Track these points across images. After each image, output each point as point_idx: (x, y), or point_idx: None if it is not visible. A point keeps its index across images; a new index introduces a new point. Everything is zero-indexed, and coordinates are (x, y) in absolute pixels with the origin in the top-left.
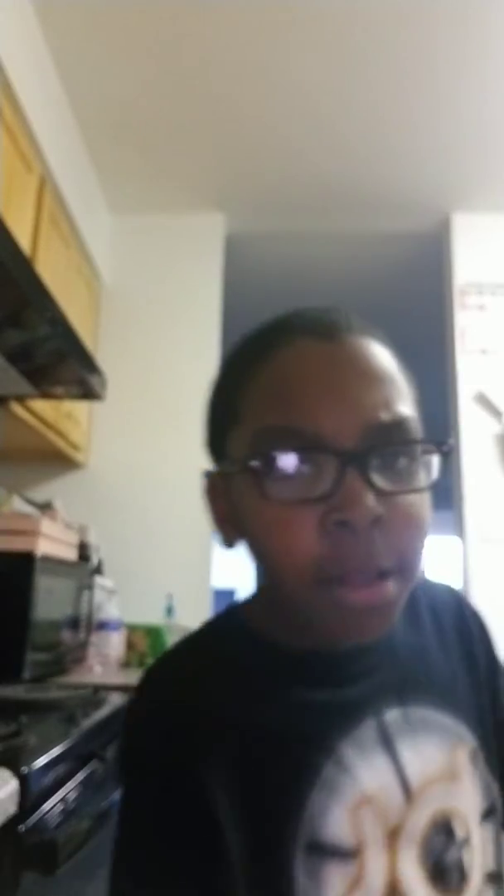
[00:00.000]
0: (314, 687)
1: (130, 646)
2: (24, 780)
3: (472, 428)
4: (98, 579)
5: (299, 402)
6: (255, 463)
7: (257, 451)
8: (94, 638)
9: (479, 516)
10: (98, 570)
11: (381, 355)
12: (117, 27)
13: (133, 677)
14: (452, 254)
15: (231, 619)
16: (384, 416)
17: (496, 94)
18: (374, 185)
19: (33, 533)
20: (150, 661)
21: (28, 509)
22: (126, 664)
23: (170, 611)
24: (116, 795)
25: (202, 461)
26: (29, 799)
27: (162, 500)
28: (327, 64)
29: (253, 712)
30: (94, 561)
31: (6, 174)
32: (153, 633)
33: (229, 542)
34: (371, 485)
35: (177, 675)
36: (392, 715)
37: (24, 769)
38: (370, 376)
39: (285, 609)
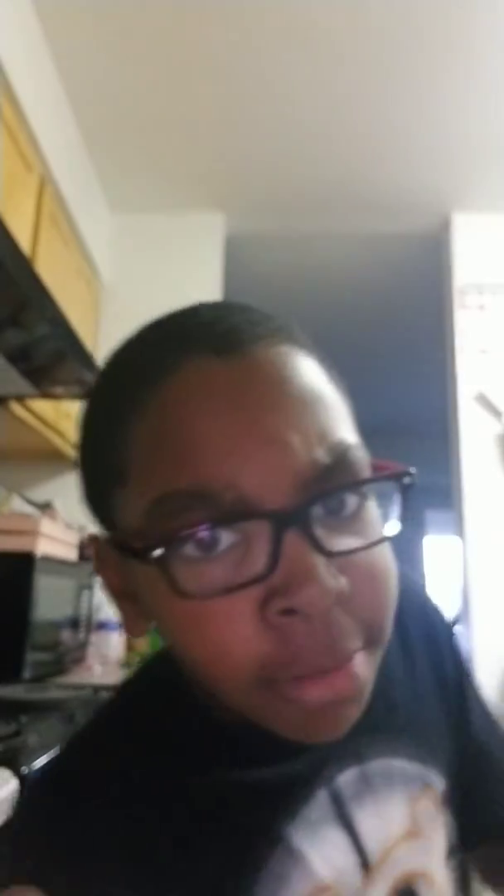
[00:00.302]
0: (254, 765)
1: (130, 646)
2: (23, 780)
3: (473, 428)
4: (97, 579)
5: (203, 450)
6: (158, 552)
7: (158, 531)
8: (94, 638)
9: (479, 516)
10: None
11: (304, 368)
12: (117, 27)
13: None
14: (452, 254)
15: (159, 685)
16: (320, 454)
17: (496, 96)
18: (373, 186)
19: (33, 533)
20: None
21: (28, 509)
22: (126, 664)
23: None
24: None
25: None
26: None
27: None
28: (327, 65)
29: (184, 799)
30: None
31: (6, 174)
32: (153, 633)
33: (133, 629)
34: (320, 550)
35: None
36: (346, 777)
37: (24, 769)
38: (295, 401)
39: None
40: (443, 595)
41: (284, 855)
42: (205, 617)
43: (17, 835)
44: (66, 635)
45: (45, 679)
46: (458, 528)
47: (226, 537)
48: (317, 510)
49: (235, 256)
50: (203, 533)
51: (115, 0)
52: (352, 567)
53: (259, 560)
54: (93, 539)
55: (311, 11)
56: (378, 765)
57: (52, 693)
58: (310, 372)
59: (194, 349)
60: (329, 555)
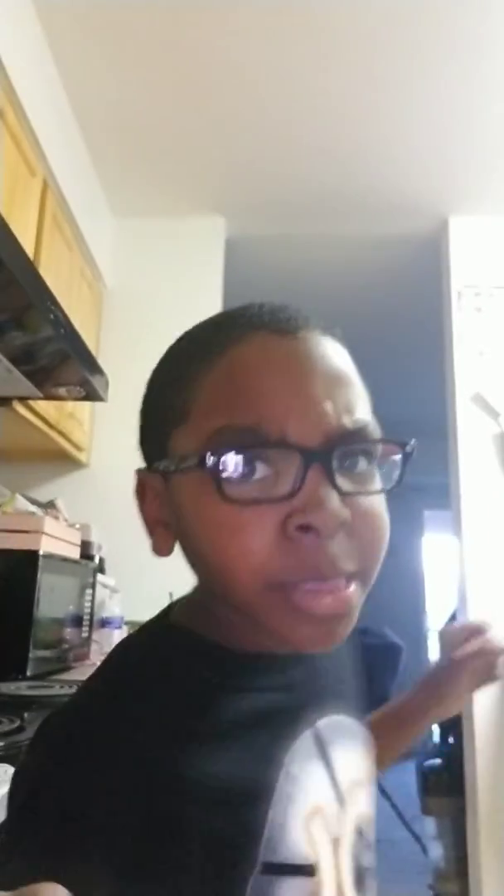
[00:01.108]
0: (260, 694)
1: None
2: None
3: (470, 429)
4: (100, 577)
5: (259, 398)
6: (211, 459)
7: (214, 448)
8: (97, 636)
9: (476, 516)
10: (100, 568)
11: (341, 356)
12: (119, 33)
13: None
14: (450, 256)
15: (169, 624)
16: (346, 421)
17: (493, 100)
18: (372, 190)
19: (37, 532)
20: None
21: (31, 508)
22: None
23: None
24: None
25: None
26: None
27: None
28: (326, 69)
29: (200, 727)
30: (97, 559)
31: (10, 178)
32: None
33: (162, 548)
34: (334, 485)
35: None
36: (324, 723)
37: None
38: (332, 377)
39: (227, 617)
40: (440, 594)
41: (288, 779)
42: (238, 522)
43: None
44: (69, 633)
45: (49, 676)
46: (456, 527)
47: (261, 468)
48: (336, 461)
49: (235, 259)
50: (247, 453)
51: (118, 7)
52: (356, 507)
53: (286, 486)
54: (139, 472)
55: (309, 17)
56: (342, 721)
57: (56, 690)
58: (344, 359)
59: (259, 327)
60: (340, 491)
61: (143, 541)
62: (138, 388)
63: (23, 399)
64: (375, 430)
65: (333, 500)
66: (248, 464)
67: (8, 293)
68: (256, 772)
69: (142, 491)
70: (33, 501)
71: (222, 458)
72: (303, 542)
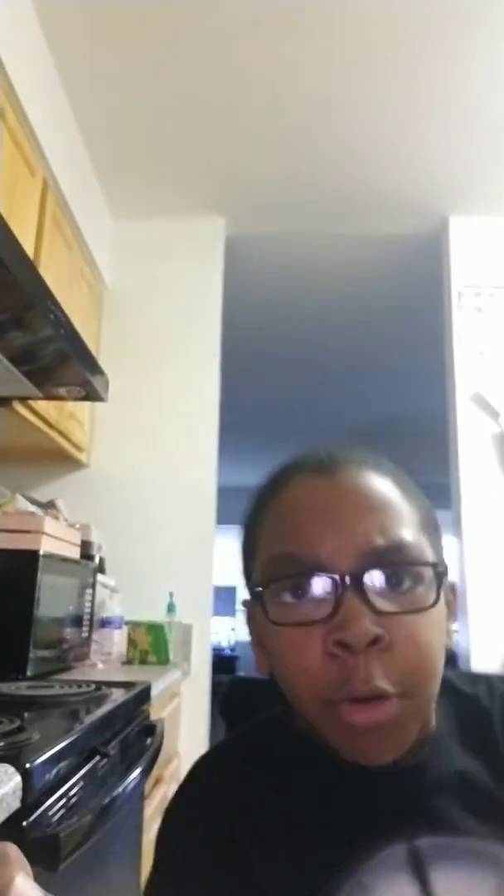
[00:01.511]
0: (352, 800)
1: (132, 643)
2: (27, 776)
3: (470, 428)
4: (100, 577)
5: (298, 531)
6: (258, 589)
7: (264, 578)
8: (97, 635)
9: (476, 516)
10: (100, 568)
11: (379, 485)
12: (119, 33)
13: (135, 674)
14: (450, 256)
15: (275, 720)
16: (378, 540)
17: (493, 101)
18: (372, 189)
19: (37, 532)
20: (151, 657)
21: (31, 508)
22: (128, 661)
23: (171, 608)
24: (119, 790)
25: (202, 460)
26: (32, 794)
27: (163, 499)
28: (327, 69)
29: (288, 811)
30: (97, 559)
31: (10, 178)
32: (155, 630)
33: (260, 666)
34: (369, 605)
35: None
36: (426, 842)
37: (28, 765)
38: (365, 505)
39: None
40: None
41: (356, 888)
42: (290, 643)
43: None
44: (69, 632)
45: (49, 676)
46: (456, 527)
47: (308, 589)
48: (377, 580)
49: (236, 259)
50: (287, 581)
51: (118, 8)
52: (396, 627)
53: (327, 608)
54: (244, 602)
55: (309, 18)
56: (464, 842)
57: (55, 690)
58: (383, 488)
59: (301, 471)
60: (374, 610)
61: (142, 541)
62: (138, 388)
63: (23, 399)
64: (418, 549)
65: (364, 617)
66: (296, 590)
67: (8, 293)
68: (319, 871)
69: (247, 615)
70: (33, 501)
71: (268, 586)
72: (340, 658)
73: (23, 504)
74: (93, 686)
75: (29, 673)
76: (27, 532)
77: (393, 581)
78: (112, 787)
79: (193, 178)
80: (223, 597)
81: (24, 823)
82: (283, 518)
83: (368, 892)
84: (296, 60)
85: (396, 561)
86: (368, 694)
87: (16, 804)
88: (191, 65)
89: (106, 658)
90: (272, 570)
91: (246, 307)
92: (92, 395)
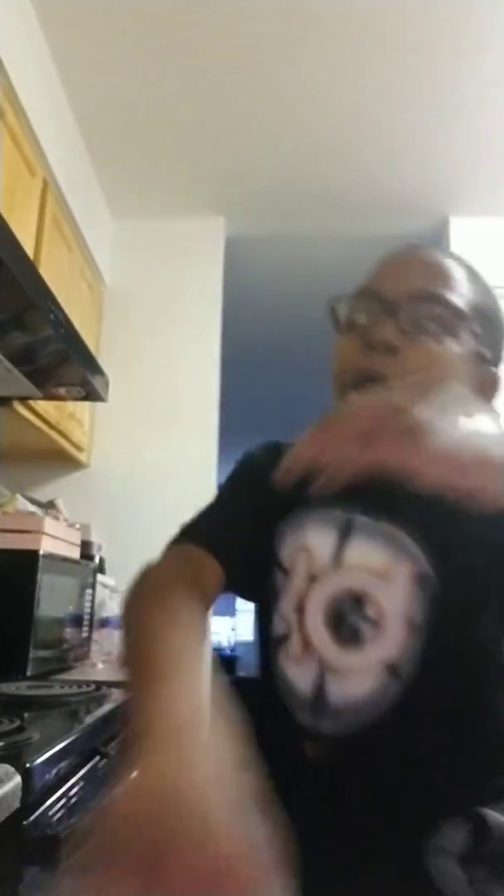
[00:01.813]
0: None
1: None
2: (27, 776)
3: None
4: (100, 577)
5: (380, 274)
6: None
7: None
8: (97, 635)
9: None
10: (100, 568)
11: (451, 266)
12: (119, 33)
13: None
14: None
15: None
16: (432, 288)
17: (493, 102)
18: (373, 189)
19: (37, 532)
20: None
21: (31, 508)
22: None
23: None
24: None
25: (202, 460)
26: (32, 794)
27: (163, 499)
28: (328, 70)
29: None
30: (97, 559)
31: (10, 178)
32: None
33: None
34: (398, 326)
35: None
36: (362, 519)
37: (28, 765)
38: (436, 271)
39: None
40: None
41: (296, 524)
42: (341, 344)
43: None
44: (69, 632)
45: (49, 676)
46: None
47: (364, 310)
48: (412, 315)
49: (236, 259)
50: (349, 301)
51: (118, 9)
52: (414, 347)
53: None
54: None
55: (310, 18)
56: (389, 528)
57: (56, 690)
58: (451, 269)
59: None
60: (401, 329)
61: (142, 540)
62: (138, 387)
63: (23, 399)
64: (456, 308)
65: (388, 328)
66: (347, 306)
67: (8, 293)
68: (291, 500)
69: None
70: (33, 501)
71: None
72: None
73: (23, 504)
74: (93, 686)
75: (29, 673)
76: (27, 532)
77: (426, 322)
78: (112, 787)
79: (193, 178)
80: (223, 597)
81: (24, 823)
82: (373, 270)
83: (301, 528)
84: (297, 63)
85: (434, 303)
86: (373, 377)
87: (16, 804)
88: (191, 65)
89: (106, 658)
90: (354, 297)
91: (246, 307)
92: (92, 395)
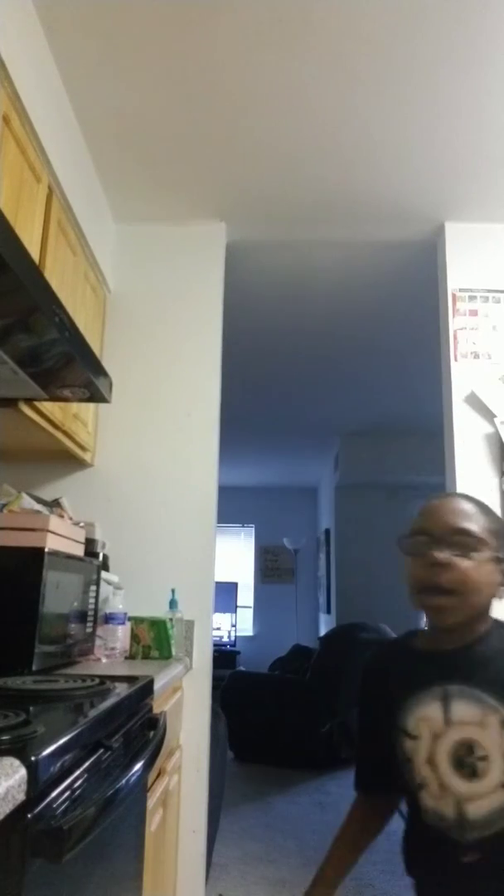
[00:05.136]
0: (427, 663)
1: (135, 638)
2: (32, 769)
3: (465, 428)
4: (104, 574)
5: (424, 517)
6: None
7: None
8: (101, 631)
9: None
10: (104, 565)
11: (470, 505)
12: (123, 40)
13: (138, 668)
14: (446, 261)
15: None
16: (459, 525)
17: (488, 110)
18: (370, 196)
19: (42, 530)
20: (154, 652)
21: (37, 507)
22: (131, 656)
23: (173, 604)
24: (122, 783)
25: (203, 460)
26: (37, 787)
27: (166, 498)
28: (327, 79)
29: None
30: (101, 557)
31: (16, 184)
32: (157, 625)
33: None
34: (440, 549)
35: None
36: (454, 688)
37: (33, 758)
38: (459, 513)
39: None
40: None
41: (411, 705)
42: (410, 564)
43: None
44: (73, 628)
45: (54, 670)
46: None
47: (422, 542)
48: (448, 543)
49: (236, 264)
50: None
51: (122, 15)
52: (456, 562)
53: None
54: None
55: (310, 25)
56: (474, 692)
57: (60, 684)
58: (472, 507)
59: (434, 498)
60: (443, 553)
61: (145, 538)
62: (141, 389)
63: (28, 400)
64: (478, 537)
65: (437, 552)
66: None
67: (14, 297)
68: (410, 689)
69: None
70: (39, 500)
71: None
72: (427, 567)
73: (28, 503)
74: (97, 680)
75: (34, 667)
76: (33, 530)
77: (459, 548)
78: (115, 780)
79: (195, 184)
80: (224, 593)
81: (29, 815)
82: (419, 515)
83: (414, 706)
84: (297, 72)
85: (463, 534)
86: (436, 587)
87: (21, 797)
88: (194, 73)
89: (110, 653)
90: (412, 534)
91: (246, 310)
92: (96, 397)
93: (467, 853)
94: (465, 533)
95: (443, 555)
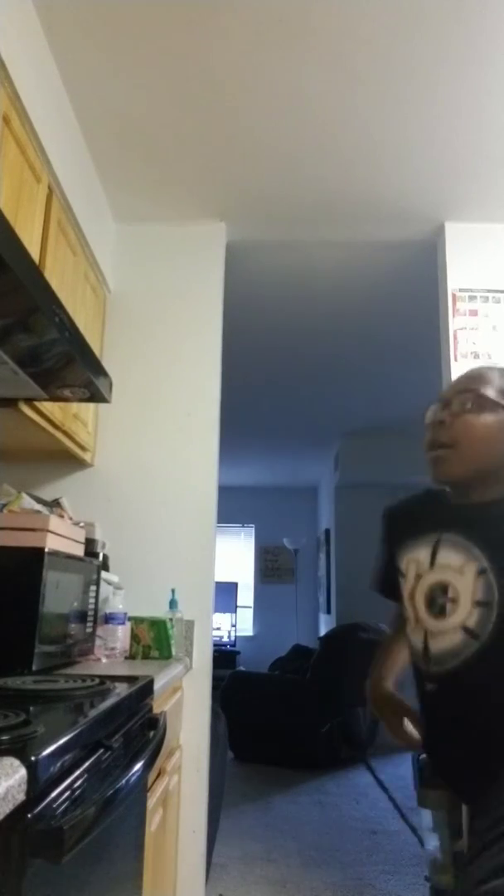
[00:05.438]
0: (439, 512)
1: (135, 638)
2: (32, 769)
3: None
4: (104, 574)
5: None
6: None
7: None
8: (101, 631)
9: None
10: (104, 565)
11: (487, 370)
12: (123, 41)
13: (138, 668)
14: (446, 261)
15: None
16: (468, 387)
17: (488, 110)
18: (370, 196)
19: (42, 530)
20: (154, 652)
21: (37, 507)
22: (131, 656)
23: (173, 604)
24: (122, 783)
25: (203, 460)
26: (37, 787)
27: (165, 498)
28: (327, 79)
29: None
30: (101, 557)
31: (16, 184)
32: (157, 625)
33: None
34: (446, 408)
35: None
36: (449, 535)
37: (33, 757)
38: (472, 377)
39: None
40: None
41: (407, 546)
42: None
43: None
44: (73, 628)
45: (53, 670)
46: None
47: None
48: (457, 403)
49: (236, 263)
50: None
51: (122, 15)
52: (459, 419)
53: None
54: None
55: (310, 26)
56: (461, 540)
57: (60, 684)
58: (488, 375)
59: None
60: (449, 411)
61: (145, 538)
62: (141, 389)
63: (29, 400)
64: (489, 397)
65: (439, 411)
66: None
67: (14, 297)
68: (421, 528)
69: None
70: (39, 500)
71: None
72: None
73: (29, 503)
74: (97, 680)
75: (34, 667)
76: (33, 530)
77: (468, 406)
78: (115, 780)
79: (195, 184)
80: (224, 593)
81: (29, 815)
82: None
83: (410, 548)
84: (297, 72)
85: (470, 394)
86: (435, 443)
87: (21, 797)
88: (193, 74)
89: (110, 653)
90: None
91: (246, 310)
92: (96, 397)
93: (427, 683)
94: (472, 392)
95: (442, 413)
